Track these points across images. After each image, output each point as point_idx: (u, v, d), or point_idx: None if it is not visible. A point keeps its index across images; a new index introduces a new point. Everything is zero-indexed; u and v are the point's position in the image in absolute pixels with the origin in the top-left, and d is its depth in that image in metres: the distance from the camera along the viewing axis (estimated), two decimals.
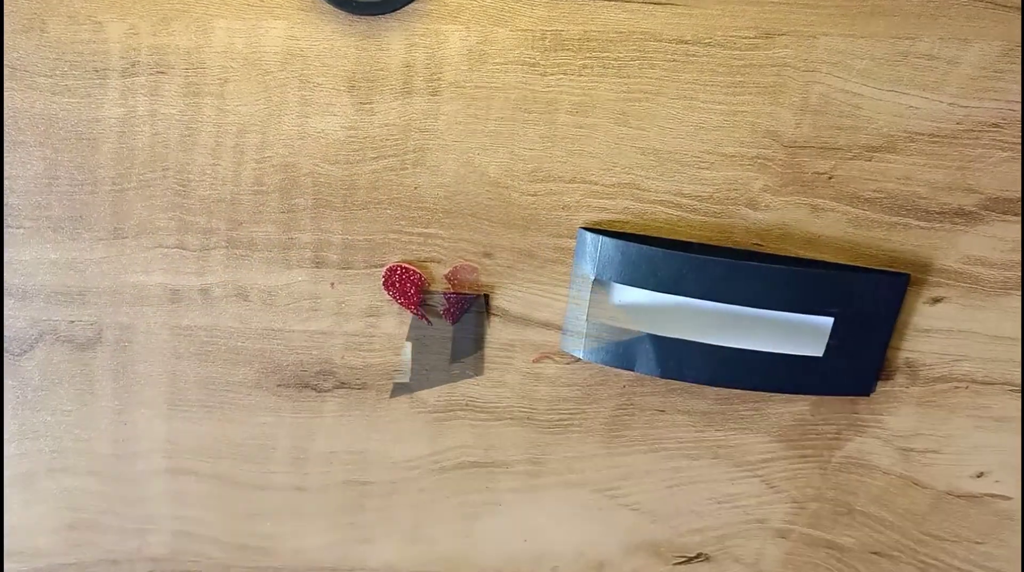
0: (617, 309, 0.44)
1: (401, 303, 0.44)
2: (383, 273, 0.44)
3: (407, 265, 0.43)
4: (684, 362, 0.43)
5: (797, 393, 0.44)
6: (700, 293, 0.42)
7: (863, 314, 0.42)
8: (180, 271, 0.44)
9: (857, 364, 0.43)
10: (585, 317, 0.43)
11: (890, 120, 0.41)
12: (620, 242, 0.42)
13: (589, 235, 0.42)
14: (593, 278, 0.42)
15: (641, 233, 0.43)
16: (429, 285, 0.44)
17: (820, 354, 0.43)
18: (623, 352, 0.43)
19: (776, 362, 0.43)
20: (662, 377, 0.43)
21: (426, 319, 0.44)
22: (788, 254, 0.43)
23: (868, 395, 0.44)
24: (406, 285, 0.44)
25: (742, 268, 0.41)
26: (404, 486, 0.47)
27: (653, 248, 0.42)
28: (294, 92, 0.42)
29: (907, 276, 0.42)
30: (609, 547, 0.48)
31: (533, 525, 0.48)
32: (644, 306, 0.43)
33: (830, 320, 0.42)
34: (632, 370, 0.43)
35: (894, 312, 0.43)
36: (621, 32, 0.41)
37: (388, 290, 0.44)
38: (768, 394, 0.45)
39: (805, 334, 0.43)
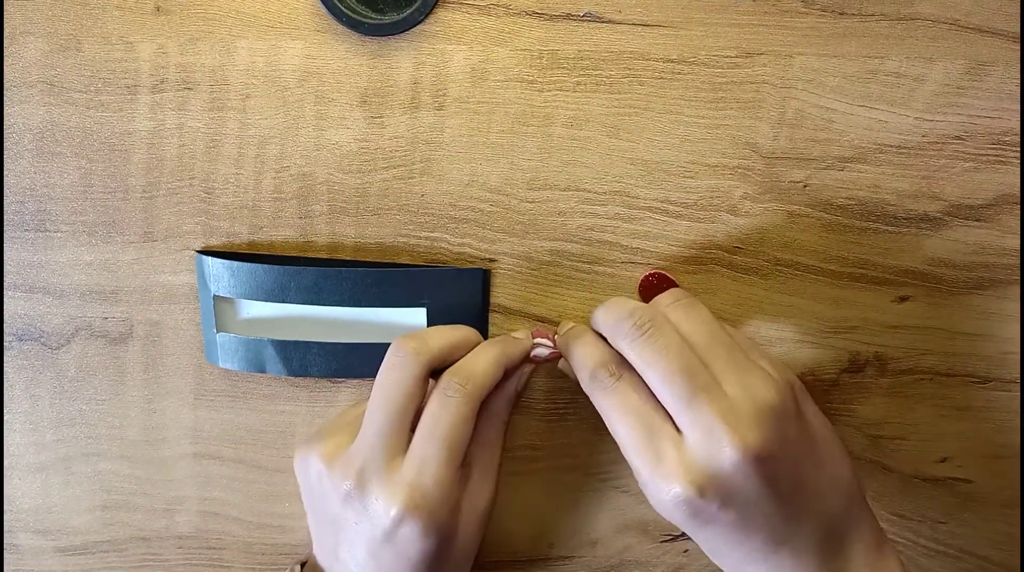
0: (241, 321, 0.47)
1: None
2: (640, 279, 0.45)
3: (663, 272, 0.44)
4: (306, 361, 0.46)
5: None
6: (305, 299, 0.45)
7: (453, 303, 0.45)
8: None
9: None
10: (214, 330, 0.46)
11: (861, 133, 0.44)
12: (227, 261, 0.44)
13: (203, 258, 0.45)
14: (213, 294, 0.45)
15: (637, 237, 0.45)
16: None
17: None
18: (253, 357, 0.46)
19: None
20: (289, 376, 0.46)
21: None
22: (769, 255, 0.46)
23: None
24: (660, 292, 0.44)
25: (330, 273, 0.44)
26: None
27: (253, 264, 0.44)
28: (310, 107, 0.44)
29: (484, 270, 0.45)
30: (601, 526, 0.49)
31: (531, 505, 0.49)
32: (266, 316, 0.47)
33: (423, 310, 0.45)
34: (264, 372, 0.46)
35: (479, 299, 0.46)
36: (612, 52, 0.43)
37: (641, 294, 0.44)
38: None
39: (407, 325, 0.46)
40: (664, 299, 0.41)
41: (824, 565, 0.38)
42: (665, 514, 0.38)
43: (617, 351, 0.39)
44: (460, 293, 0.45)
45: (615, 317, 0.39)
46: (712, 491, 0.36)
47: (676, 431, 0.37)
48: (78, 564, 0.50)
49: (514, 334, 0.44)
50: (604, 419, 0.39)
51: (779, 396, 0.37)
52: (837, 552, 0.39)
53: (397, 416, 0.39)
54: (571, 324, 0.44)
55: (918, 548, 0.50)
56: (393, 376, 0.40)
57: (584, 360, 0.40)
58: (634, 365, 0.38)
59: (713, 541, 0.38)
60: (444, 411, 0.39)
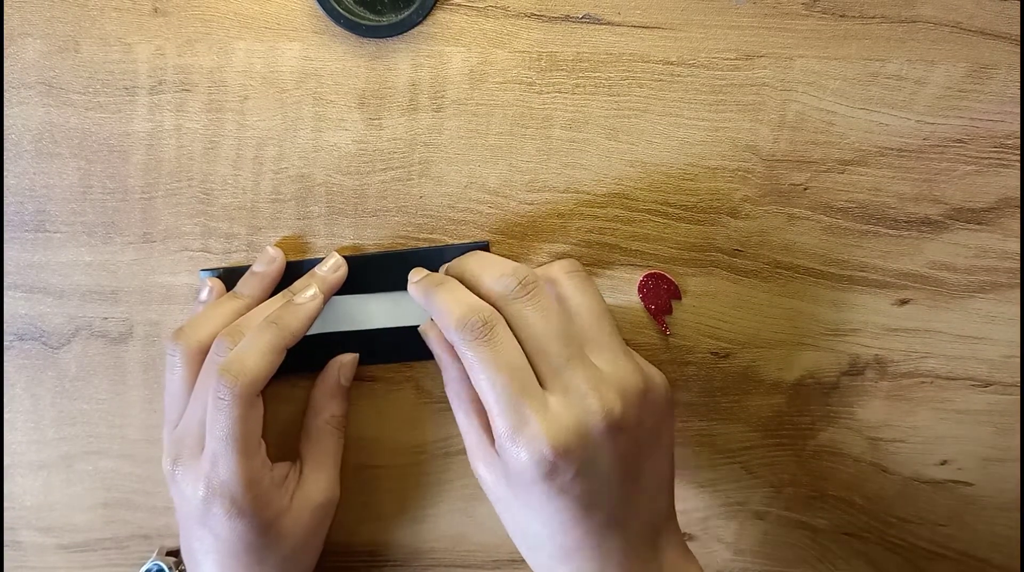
0: None
1: (651, 311, 0.45)
2: (640, 279, 0.45)
3: (664, 273, 0.44)
4: (314, 353, 0.46)
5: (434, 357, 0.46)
6: None
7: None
8: None
9: None
10: None
11: (861, 136, 0.43)
12: (230, 269, 0.45)
13: (205, 274, 0.46)
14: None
15: (630, 239, 0.45)
16: (682, 297, 0.46)
17: None
18: None
19: (404, 334, 0.46)
20: (301, 372, 0.47)
21: (667, 330, 0.45)
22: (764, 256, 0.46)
23: None
24: (660, 292, 0.45)
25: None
26: (412, 470, 0.49)
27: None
28: (308, 108, 0.44)
29: (486, 242, 0.45)
30: None
31: None
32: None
33: None
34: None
35: None
36: (611, 54, 0.43)
37: (640, 294, 0.44)
38: (747, 389, 0.47)
39: (418, 306, 0.45)
40: (562, 266, 0.42)
41: (648, 560, 0.39)
42: (518, 476, 0.37)
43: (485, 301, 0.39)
44: None
45: (497, 272, 0.39)
46: (573, 455, 0.36)
47: (543, 391, 0.37)
48: (80, 561, 0.51)
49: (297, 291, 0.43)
50: (469, 371, 0.37)
51: (643, 383, 0.39)
52: (658, 549, 0.40)
53: (178, 415, 0.43)
54: (424, 272, 0.43)
55: (918, 551, 0.50)
56: (167, 377, 0.43)
57: (451, 306, 0.38)
58: (511, 321, 0.38)
59: (556, 516, 0.37)
60: (219, 413, 0.39)
